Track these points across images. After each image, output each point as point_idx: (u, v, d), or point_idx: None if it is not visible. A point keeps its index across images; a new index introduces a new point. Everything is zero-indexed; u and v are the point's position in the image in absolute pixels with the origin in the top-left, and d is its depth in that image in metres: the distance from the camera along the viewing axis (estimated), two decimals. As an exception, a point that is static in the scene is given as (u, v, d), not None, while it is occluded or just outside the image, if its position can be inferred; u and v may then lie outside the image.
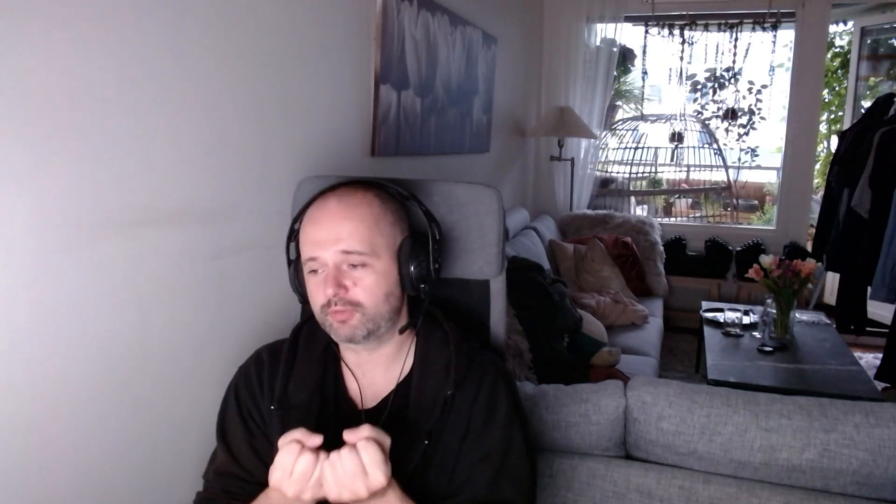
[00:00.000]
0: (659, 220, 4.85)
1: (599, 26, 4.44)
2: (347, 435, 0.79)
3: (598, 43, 4.46)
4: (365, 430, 0.79)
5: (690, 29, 4.51)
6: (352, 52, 1.85)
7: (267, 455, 0.97)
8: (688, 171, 5.71)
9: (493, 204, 1.12)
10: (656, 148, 5.58)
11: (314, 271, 0.93)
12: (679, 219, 6.13)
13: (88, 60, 1.01)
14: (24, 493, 0.98)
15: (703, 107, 5.48)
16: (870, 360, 3.77)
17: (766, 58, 4.54)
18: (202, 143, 1.27)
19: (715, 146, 5.13)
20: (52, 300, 0.99)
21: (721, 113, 5.06)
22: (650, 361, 2.93)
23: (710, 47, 4.53)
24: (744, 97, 5.00)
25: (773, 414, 1.23)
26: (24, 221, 0.94)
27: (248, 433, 0.99)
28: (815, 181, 5.16)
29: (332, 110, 1.77)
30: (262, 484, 0.92)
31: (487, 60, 3.10)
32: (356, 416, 0.98)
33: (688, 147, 5.32)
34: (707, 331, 3.07)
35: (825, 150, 5.89)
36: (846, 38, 5.86)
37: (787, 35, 4.47)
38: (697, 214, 6.22)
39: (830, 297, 4.42)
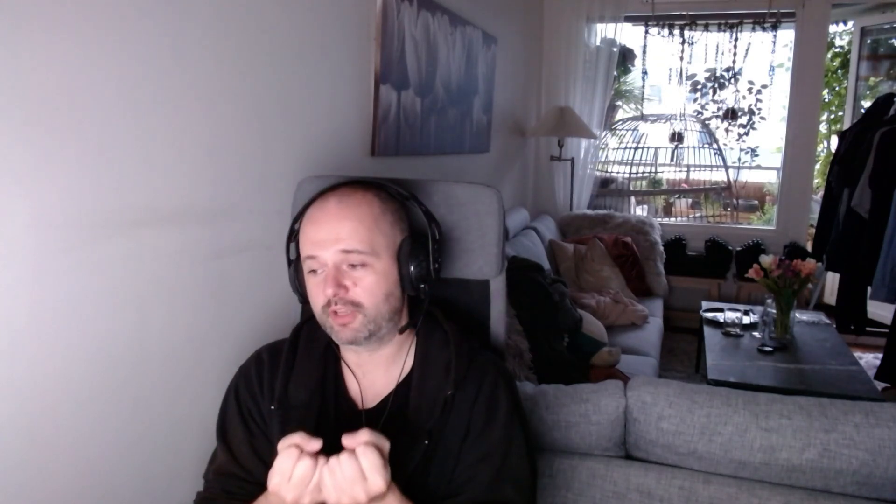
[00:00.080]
0: (659, 220, 4.85)
1: (599, 26, 4.44)
2: (346, 440, 0.79)
3: (598, 43, 4.47)
4: (364, 435, 0.79)
5: (690, 29, 4.51)
6: (352, 52, 1.85)
7: (267, 455, 0.97)
8: (688, 171, 5.71)
9: (493, 204, 1.12)
10: (656, 148, 5.59)
11: (314, 271, 0.93)
12: (679, 219, 6.13)
13: (88, 60, 1.01)
14: (24, 493, 0.98)
15: (703, 107, 5.48)
16: (870, 360, 3.77)
17: (766, 58, 4.55)
18: (202, 143, 1.27)
19: (715, 146, 5.13)
20: (52, 300, 0.99)
21: (721, 113, 5.06)
22: (650, 361, 2.93)
23: (710, 47, 4.53)
24: (744, 97, 5.00)
25: (773, 414, 1.23)
26: (24, 221, 0.94)
27: (249, 433, 0.99)
28: (815, 181, 5.16)
29: (332, 110, 1.77)
30: (263, 484, 0.92)
31: (487, 60, 3.10)
32: (356, 417, 0.98)
33: (688, 147, 5.32)
34: (707, 331, 3.07)
35: (825, 150, 5.89)
36: (846, 38, 5.86)
37: (787, 35, 4.47)
38: (697, 214, 6.22)
39: (830, 297, 4.42)
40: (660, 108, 6.99)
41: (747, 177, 6.33)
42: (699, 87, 5.71)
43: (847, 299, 3.74)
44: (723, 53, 4.50)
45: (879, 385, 3.20)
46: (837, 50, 6.01)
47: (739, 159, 5.29)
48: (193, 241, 1.28)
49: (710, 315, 3.25)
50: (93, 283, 1.06)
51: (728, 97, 4.96)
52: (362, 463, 0.77)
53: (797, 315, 3.04)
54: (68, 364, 1.03)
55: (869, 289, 3.39)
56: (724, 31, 4.45)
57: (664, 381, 1.35)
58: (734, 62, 4.51)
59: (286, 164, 1.53)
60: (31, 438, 0.98)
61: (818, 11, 4.15)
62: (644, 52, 4.62)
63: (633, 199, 5.91)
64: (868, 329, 3.87)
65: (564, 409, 1.36)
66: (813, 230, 4.27)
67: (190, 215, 1.26)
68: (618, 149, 5.36)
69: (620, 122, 5.90)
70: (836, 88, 5.99)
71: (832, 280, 4.38)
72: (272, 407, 0.97)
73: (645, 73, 4.77)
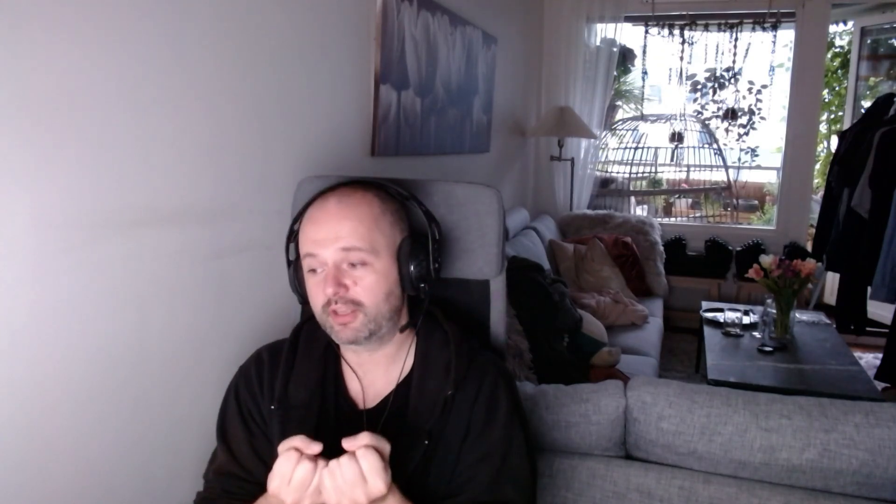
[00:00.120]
0: (659, 220, 4.85)
1: (599, 26, 4.44)
2: (346, 443, 0.79)
3: (598, 43, 4.46)
4: (364, 438, 0.79)
5: (690, 29, 4.51)
6: (352, 52, 1.85)
7: (267, 455, 0.97)
8: (688, 171, 5.71)
9: (493, 204, 1.12)
10: (656, 148, 5.59)
11: (313, 270, 0.93)
12: (679, 219, 6.13)
13: (88, 60, 1.01)
14: (24, 493, 0.98)
15: (703, 107, 5.48)
16: (870, 360, 3.77)
17: (766, 58, 4.55)
18: (202, 143, 1.27)
19: (715, 146, 5.13)
20: (52, 300, 0.99)
21: (721, 113, 5.06)
22: (650, 361, 2.93)
23: (710, 47, 4.53)
24: (744, 97, 5.00)
25: (773, 414, 1.23)
26: (24, 221, 0.94)
27: (249, 433, 0.99)
28: (815, 181, 5.16)
29: (332, 110, 1.77)
30: (263, 484, 0.91)
31: (487, 60, 3.10)
32: (356, 416, 0.98)
33: (688, 147, 5.32)
34: (707, 331, 3.07)
35: (825, 150, 5.89)
36: (846, 38, 5.86)
37: (787, 35, 4.47)
38: (697, 214, 6.22)
39: (830, 297, 4.42)
40: (660, 108, 6.99)
41: (747, 177, 6.33)
42: (699, 87, 5.71)
43: (847, 299, 3.74)
44: (723, 53, 4.50)
45: (879, 385, 3.20)
46: (837, 50, 6.01)
47: (739, 159, 5.29)
48: (193, 241, 1.28)
49: (710, 315, 3.25)
50: (93, 283, 1.06)
51: (728, 97, 4.96)
52: (362, 465, 0.77)
53: (797, 315, 3.04)
54: (68, 364, 1.03)
55: (869, 289, 3.39)
56: (724, 31, 4.45)
57: (664, 381, 1.35)
58: (734, 62, 4.51)
59: (286, 164, 1.53)
60: (31, 438, 0.98)
61: (818, 11, 4.15)
62: (644, 52, 4.62)
63: (633, 199, 5.91)
64: (868, 329, 3.87)
65: (564, 409, 1.36)
66: (813, 230, 4.27)
67: (190, 215, 1.26)
68: (618, 149, 5.36)
69: (620, 122, 5.90)
70: (836, 88, 5.99)
71: (832, 280, 4.38)
72: (272, 407, 0.97)
73: (645, 73, 4.77)
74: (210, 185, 1.31)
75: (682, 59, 4.59)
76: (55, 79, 0.96)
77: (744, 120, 5.06)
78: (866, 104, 4.50)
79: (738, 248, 4.32)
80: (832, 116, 6.04)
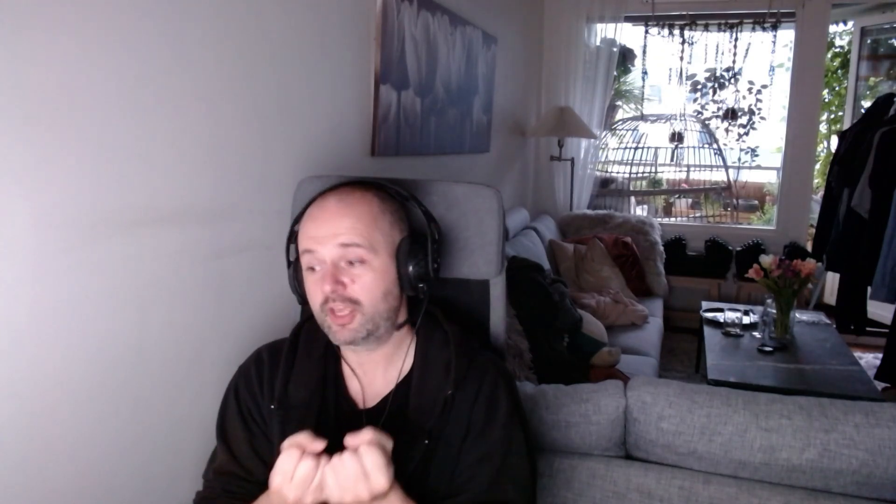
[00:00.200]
0: (659, 220, 4.85)
1: (599, 26, 4.44)
2: (349, 439, 0.79)
3: (598, 43, 4.46)
4: (367, 434, 0.79)
5: (690, 29, 4.51)
6: (352, 52, 1.85)
7: (267, 455, 0.97)
8: (688, 171, 5.71)
9: (493, 204, 1.12)
10: (656, 148, 5.59)
11: (312, 269, 0.93)
12: (679, 219, 6.13)
13: (88, 60, 1.01)
14: (24, 493, 0.98)
15: (703, 107, 5.48)
16: (870, 360, 3.77)
17: (766, 58, 4.55)
18: (202, 143, 1.27)
19: (715, 146, 5.13)
20: (52, 300, 0.99)
21: (721, 113, 5.06)
22: (650, 361, 2.93)
23: (710, 47, 4.53)
24: (744, 97, 5.00)
25: (773, 414, 1.23)
26: (24, 221, 0.94)
27: (249, 433, 0.99)
28: (815, 181, 5.16)
29: (332, 110, 1.77)
30: (263, 483, 0.92)
31: (487, 60, 3.10)
32: (356, 416, 0.98)
33: (688, 147, 5.32)
34: (707, 331, 3.07)
35: (825, 150, 5.89)
36: (846, 38, 5.86)
37: (787, 35, 4.47)
38: (697, 214, 6.22)
39: (830, 297, 4.42)
40: (660, 108, 6.99)
41: (747, 177, 6.33)
42: (699, 87, 5.71)
43: (847, 299, 3.75)
44: (723, 53, 4.50)
45: (879, 385, 3.20)
46: (837, 50, 6.01)
47: (739, 159, 5.29)
48: (193, 241, 1.28)
49: (710, 315, 3.25)
50: (93, 283, 1.06)
51: (728, 97, 4.96)
52: (365, 461, 0.77)
53: (797, 315, 3.04)
54: (68, 364, 1.03)
55: (869, 289, 3.39)
56: (724, 31, 4.45)
57: (664, 381, 1.35)
58: (734, 62, 4.51)
59: (286, 164, 1.53)
60: (31, 438, 0.98)
61: (818, 11, 4.15)
62: (644, 52, 4.62)
63: (633, 199, 5.91)
64: (868, 329, 3.87)
65: (564, 409, 1.36)
66: (813, 230, 4.27)
67: (190, 215, 1.26)
68: (618, 149, 5.36)
69: (620, 122, 5.90)
70: (836, 88, 5.99)
71: (832, 280, 4.38)
72: (272, 406, 0.97)
73: (645, 73, 4.77)
74: (210, 185, 1.31)
75: (682, 59, 4.59)
76: (55, 79, 0.96)
77: (744, 120, 5.06)
78: (866, 104, 4.50)
79: (738, 248, 4.32)
80: (832, 116, 6.04)
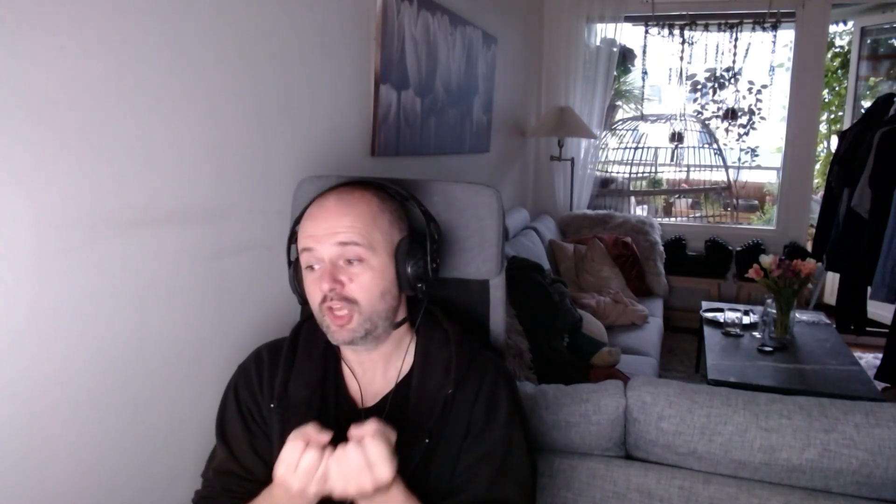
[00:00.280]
0: (659, 220, 4.85)
1: (599, 26, 4.44)
2: (353, 430, 0.80)
3: (598, 43, 4.46)
4: (371, 425, 0.80)
5: (690, 29, 4.51)
6: (352, 52, 1.85)
7: (267, 454, 0.97)
8: (688, 171, 5.71)
9: (492, 204, 1.12)
10: (656, 148, 5.59)
11: (311, 268, 0.93)
12: (679, 219, 6.13)
13: (88, 60, 1.01)
14: (24, 493, 0.98)
15: (703, 107, 5.48)
16: (870, 360, 3.77)
17: (766, 58, 4.55)
18: (202, 143, 1.27)
19: (715, 146, 5.13)
20: (52, 300, 0.99)
21: (721, 113, 5.06)
22: (650, 361, 2.93)
23: (710, 47, 4.53)
24: (744, 97, 5.00)
25: (773, 414, 1.23)
26: (24, 221, 0.94)
27: (248, 432, 0.99)
28: (815, 181, 5.16)
29: (332, 110, 1.77)
30: (262, 482, 0.92)
31: (487, 60, 3.10)
32: (356, 415, 0.98)
33: (688, 147, 5.32)
34: (707, 331, 3.07)
35: (825, 150, 5.89)
36: (846, 38, 5.86)
37: (787, 35, 4.47)
38: (697, 214, 6.22)
39: (830, 297, 4.42)
40: (660, 108, 6.99)
41: (747, 177, 6.33)
42: (699, 87, 5.71)
43: (847, 299, 3.75)
44: (723, 53, 4.50)
45: (879, 385, 3.20)
46: (837, 50, 6.01)
47: (739, 159, 5.29)
48: (193, 241, 1.28)
49: (710, 315, 3.25)
50: (93, 283, 1.06)
51: (728, 97, 4.96)
52: (369, 452, 0.78)
53: (797, 315, 3.04)
54: (68, 364, 1.03)
55: (869, 289, 3.39)
56: (724, 31, 4.45)
57: (664, 381, 1.35)
58: (734, 62, 4.51)
59: (286, 164, 1.53)
60: (31, 438, 0.98)
61: (818, 11, 4.15)
62: (644, 52, 4.62)
63: (633, 199, 5.91)
64: (868, 329, 3.87)
65: (564, 409, 1.36)
66: (813, 230, 4.27)
67: (190, 215, 1.26)
68: (618, 149, 5.36)
69: (620, 122, 5.90)
70: (836, 88, 5.99)
71: (832, 280, 4.38)
72: (272, 406, 0.97)
73: (645, 73, 4.77)
74: (210, 185, 1.31)
75: (682, 59, 4.59)
76: (55, 79, 0.96)
77: (744, 120, 5.06)
78: (866, 104, 4.50)
79: (738, 248, 4.32)
80: (832, 116, 6.04)
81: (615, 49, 4.53)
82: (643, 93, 5.69)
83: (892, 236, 3.15)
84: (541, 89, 4.53)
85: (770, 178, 6.81)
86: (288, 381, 0.99)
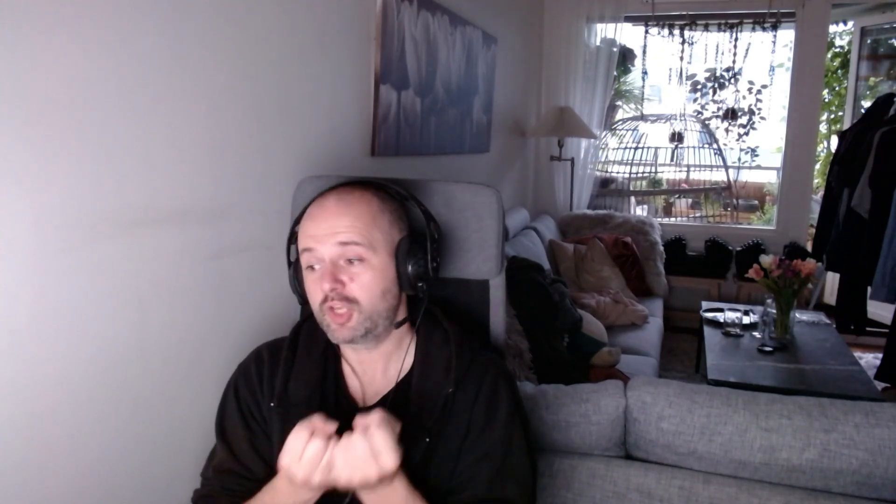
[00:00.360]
0: (659, 220, 4.85)
1: (599, 26, 4.44)
2: (359, 419, 0.80)
3: (598, 43, 4.47)
4: (377, 414, 0.80)
5: (690, 29, 4.51)
6: (352, 52, 1.85)
7: (267, 453, 0.97)
8: (688, 171, 5.71)
9: (492, 204, 1.12)
10: (656, 148, 5.59)
11: (311, 268, 0.93)
12: (679, 219, 6.13)
13: (88, 61, 1.01)
14: (24, 493, 0.98)
15: (703, 107, 5.48)
16: (870, 360, 3.77)
17: (766, 58, 4.55)
18: (202, 143, 1.27)
19: (715, 146, 5.13)
20: (52, 300, 0.99)
21: (721, 113, 5.06)
22: (650, 361, 2.93)
23: (710, 47, 4.53)
24: (744, 97, 5.00)
25: (773, 414, 1.23)
26: (24, 221, 0.94)
27: (249, 431, 0.99)
28: (815, 181, 5.16)
29: (332, 110, 1.77)
30: (263, 481, 0.92)
31: (487, 60, 3.10)
32: (356, 414, 0.98)
33: (688, 147, 5.32)
34: (707, 331, 3.07)
35: (825, 150, 5.89)
36: (846, 38, 5.86)
37: (787, 35, 4.47)
38: (697, 214, 6.22)
39: (830, 297, 4.42)
40: (660, 108, 6.99)
41: (747, 177, 6.33)
42: (699, 87, 5.71)
43: (847, 299, 3.74)
44: (723, 53, 4.50)
45: (879, 385, 3.20)
46: (837, 50, 6.01)
47: (739, 159, 5.29)
48: (193, 241, 1.28)
49: (710, 315, 3.25)
50: (93, 283, 1.06)
51: (728, 97, 4.96)
52: (375, 441, 0.78)
53: (797, 315, 3.04)
54: (68, 364, 1.03)
55: (869, 289, 3.39)
56: (724, 31, 4.45)
57: (664, 381, 1.35)
58: (734, 62, 4.51)
59: (286, 164, 1.53)
60: (31, 438, 0.98)
61: (818, 11, 4.15)
62: (644, 52, 4.62)
63: (633, 199, 5.91)
64: (868, 329, 3.87)
65: (564, 409, 1.36)
66: (813, 230, 4.27)
67: (190, 215, 1.26)
68: (618, 149, 5.36)
69: (620, 122, 5.90)
70: (836, 88, 5.99)
71: (832, 280, 4.38)
72: (272, 405, 0.97)
73: (645, 73, 4.77)
74: (210, 185, 1.31)
75: (682, 59, 4.59)
76: (55, 79, 0.96)
77: (744, 120, 5.06)
78: (866, 104, 4.50)
79: (738, 248, 4.32)
80: (832, 116, 6.04)
81: (615, 49, 4.53)
82: (643, 93, 5.69)
83: (892, 236, 3.15)
84: (541, 89, 4.53)
85: (770, 178, 6.81)
86: (288, 381, 0.99)
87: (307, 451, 0.78)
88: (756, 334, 2.95)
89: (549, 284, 2.65)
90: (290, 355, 1.01)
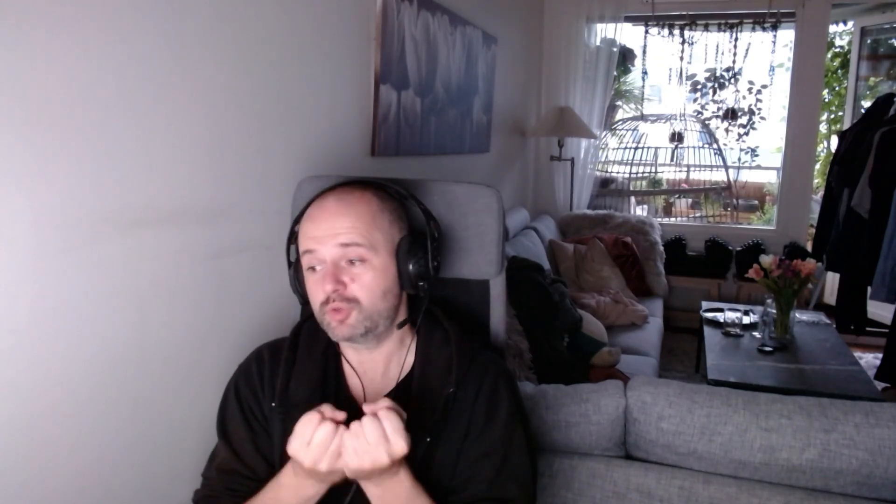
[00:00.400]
0: (659, 220, 4.85)
1: (599, 26, 4.44)
2: (367, 406, 0.80)
3: (598, 43, 4.47)
4: (385, 401, 0.80)
5: (690, 29, 4.51)
6: (352, 52, 1.85)
7: (269, 452, 0.97)
8: (688, 171, 5.72)
9: (492, 204, 1.12)
10: (656, 148, 5.59)
11: (312, 268, 0.93)
12: (679, 219, 6.13)
13: (88, 61, 1.01)
14: (24, 493, 0.98)
15: (703, 107, 5.48)
16: (870, 360, 3.77)
17: (766, 58, 4.55)
18: (202, 143, 1.27)
19: (715, 146, 5.13)
20: (52, 300, 0.99)
21: (721, 113, 5.06)
22: (650, 361, 2.93)
23: (710, 47, 4.53)
24: (744, 97, 5.00)
25: (773, 414, 1.23)
26: (24, 221, 0.94)
27: (250, 430, 0.99)
28: (815, 181, 5.16)
29: (332, 110, 1.77)
30: (265, 482, 0.92)
31: (487, 60, 3.10)
32: (357, 415, 0.98)
33: (688, 147, 5.32)
34: (707, 331, 3.07)
35: (825, 150, 5.89)
36: (846, 38, 5.86)
37: (787, 35, 4.47)
38: (697, 214, 6.22)
39: (830, 297, 4.42)
40: (660, 108, 6.99)
41: (747, 177, 6.34)
42: (699, 87, 5.71)
43: (847, 299, 3.74)
44: (723, 53, 4.50)
45: (879, 385, 3.20)
46: (837, 50, 6.01)
47: (739, 159, 5.29)
48: (193, 241, 1.28)
49: (710, 315, 3.25)
50: (93, 283, 1.06)
51: (728, 97, 4.96)
52: (386, 425, 0.78)
53: (797, 315, 3.04)
54: (68, 364, 1.03)
55: (869, 289, 3.39)
56: (724, 31, 4.45)
57: (664, 381, 1.35)
58: (734, 62, 4.51)
59: (286, 164, 1.53)
60: (31, 438, 0.98)
61: (818, 11, 4.15)
62: (644, 52, 4.62)
63: (633, 199, 5.91)
64: (868, 329, 3.87)
65: (564, 409, 1.36)
66: (813, 230, 4.27)
67: (190, 215, 1.26)
68: (618, 149, 5.36)
69: (620, 122, 5.90)
70: (836, 88, 5.99)
71: (832, 280, 4.38)
72: (273, 405, 0.97)
73: (645, 73, 4.77)
74: (210, 185, 1.31)
75: (682, 59, 4.59)
76: (55, 79, 0.96)
77: (744, 120, 5.06)
78: (866, 104, 4.50)
79: (738, 248, 4.32)
80: (832, 116, 6.04)
81: (615, 49, 4.53)
82: (643, 93, 5.69)
83: (892, 236, 3.15)
84: (541, 89, 4.53)
85: (770, 178, 6.81)
86: (289, 381, 0.99)
87: (316, 436, 0.78)
88: (756, 334, 2.95)
89: (549, 284, 2.65)
90: (290, 355, 1.01)
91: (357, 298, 0.91)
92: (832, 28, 5.18)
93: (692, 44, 4.54)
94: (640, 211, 6.25)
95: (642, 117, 5.62)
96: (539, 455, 1.29)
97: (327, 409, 0.80)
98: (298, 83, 1.58)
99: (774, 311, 2.89)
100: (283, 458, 0.87)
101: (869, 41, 4.77)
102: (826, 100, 5.84)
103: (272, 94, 1.48)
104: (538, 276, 2.64)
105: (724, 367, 2.61)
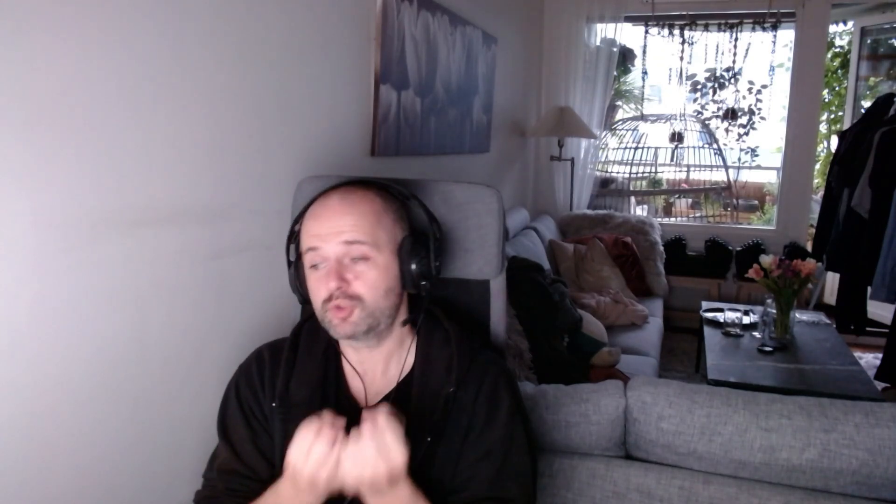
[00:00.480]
0: (659, 220, 4.85)
1: (599, 26, 4.44)
2: (367, 413, 0.80)
3: (598, 43, 4.47)
4: (385, 408, 0.80)
5: (690, 29, 4.51)
6: (352, 52, 1.85)
7: (270, 452, 0.97)
8: (688, 171, 5.72)
9: (493, 204, 1.12)
10: (656, 148, 5.59)
11: (315, 266, 0.93)
12: (679, 219, 6.13)
13: (88, 60, 1.01)
14: (24, 493, 0.98)
15: (703, 107, 5.48)
16: (870, 360, 3.77)
17: (766, 58, 4.55)
18: (202, 143, 1.27)
19: (715, 146, 5.13)
20: (52, 300, 0.99)
21: (721, 113, 5.06)
22: (650, 361, 2.93)
23: (710, 47, 4.53)
24: (744, 97, 5.00)
25: (773, 414, 1.23)
26: (24, 221, 0.94)
27: (251, 430, 0.99)
28: (815, 181, 5.16)
29: (332, 110, 1.77)
30: (266, 482, 0.92)
31: (487, 60, 3.10)
32: (358, 415, 0.98)
33: (688, 147, 5.32)
34: (707, 331, 3.07)
35: (825, 150, 5.89)
36: (846, 38, 5.86)
37: (787, 35, 4.47)
38: (697, 214, 6.22)
39: (830, 297, 4.42)
40: (660, 108, 6.99)
41: (747, 177, 6.34)
42: (699, 87, 5.71)
43: (847, 299, 3.74)
44: (723, 53, 4.50)
45: (879, 385, 3.20)
46: (837, 50, 6.01)
47: (739, 159, 5.29)
48: (193, 241, 1.28)
49: (710, 315, 3.25)
50: (93, 282, 1.06)
51: (728, 97, 4.96)
52: (384, 437, 0.78)
53: (797, 315, 3.04)
54: (68, 364, 1.03)
55: (869, 289, 3.39)
56: (724, 31, 4.45)
57: (664, 381, 1.35)
58: (734, 62, 4.51)
59: (286, 164, 1.53)
60: (31, 438, 0.98)
61: (818, 11, 4.15)
62: (644, 52, 4.62)
63: (633, 199, 5.91)
64: (868, 329, 3.87)
65: (564, 409, 1.36)
66: (813, 230, 4.27)
67: (190, 215, 1.26)
68: (618, 149, 5.36)
69: (620, 122, 5.90)
70: (836, 88, 5.99)
71: (832, 280, 4.38)
72: (273, 405, 0.97)
73: (645, 73, 4.77)
74: (210, 185, 1.31)
75: (682, 59, 4.59)
76: (55, 79, 0.96)
77: (744, 120, 5.06)
78: (866, 104, 4.50)
79: (738, 248, 4.32)
80: (832, 116, 6.04)
81: (615, 49, 4.53)
82: (643, 93, 5.69)
83: (892, 236, 3.15)
84: (541, 89, 4.53)
85: (770, 178, 6.81)
86: (289, 381, 0.99)
87: (315, 448, 0.79)
88: (756, 334, 2.95)
89: (549, 284, 2.65)
90: (290, 356, 1.01)
91: (360, 296, 0.91)
92: (832, 28, 5.18)
93: (692, 44, 4.54)
94: (640, 211, 6.25)
95: (642, 117, 5.62)
96: (539, 455, 1.29)
97: (326, 418, 0.80)
98: (298, 83, 1.58)
99: (774, 311, 2.89)
100: (284, 458, 0.87)
101: (869, 41, 4.77)
102: (826, 100, 5.84)
103: (272, 94, 1.48)
104: (538, 276, 2.64)
105: (724, 367, 2.61)
